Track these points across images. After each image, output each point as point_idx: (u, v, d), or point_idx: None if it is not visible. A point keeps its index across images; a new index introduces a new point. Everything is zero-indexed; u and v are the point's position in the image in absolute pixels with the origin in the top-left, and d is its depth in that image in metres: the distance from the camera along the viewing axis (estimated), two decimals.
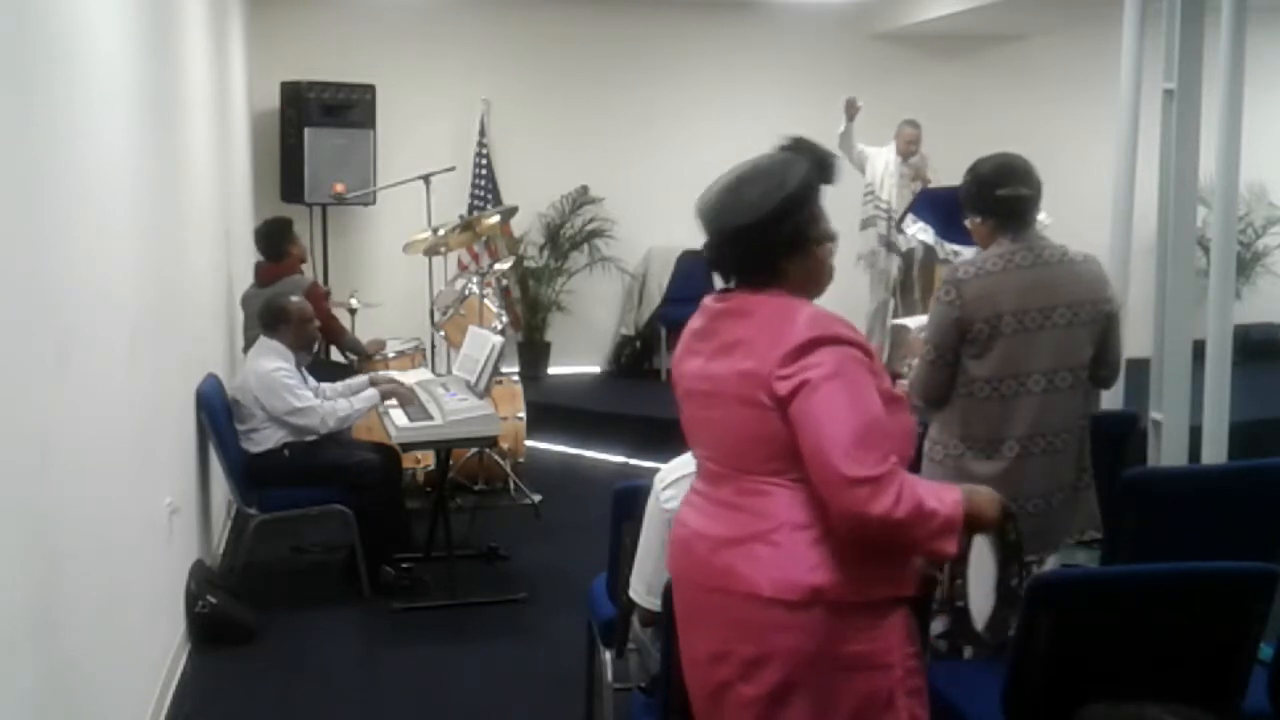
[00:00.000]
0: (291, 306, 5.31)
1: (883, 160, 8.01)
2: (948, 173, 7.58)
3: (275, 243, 6.20)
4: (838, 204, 2.43)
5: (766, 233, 2.25)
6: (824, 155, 2.33)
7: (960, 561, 2.33)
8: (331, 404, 5.17)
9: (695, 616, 2.39)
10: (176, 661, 4.26)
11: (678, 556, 2.43)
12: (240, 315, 6.26)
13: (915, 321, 5.00)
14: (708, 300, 2.40)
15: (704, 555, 2.33)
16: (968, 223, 3.36)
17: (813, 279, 2.33)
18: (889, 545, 2.19)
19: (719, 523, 2.32)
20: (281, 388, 5.07)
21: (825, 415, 2.14)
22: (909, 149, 7.98)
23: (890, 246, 7.98)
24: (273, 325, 5.29)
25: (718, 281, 2.41)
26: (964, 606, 2.45)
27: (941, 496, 2.18)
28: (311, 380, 5.32)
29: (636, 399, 8.37)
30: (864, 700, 2.24)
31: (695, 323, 2.41)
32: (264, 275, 6.14)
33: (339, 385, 5.40)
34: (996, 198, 3.26)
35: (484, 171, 8.87)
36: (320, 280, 7.80)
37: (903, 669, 2.26)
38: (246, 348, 5.67)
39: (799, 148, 2.34)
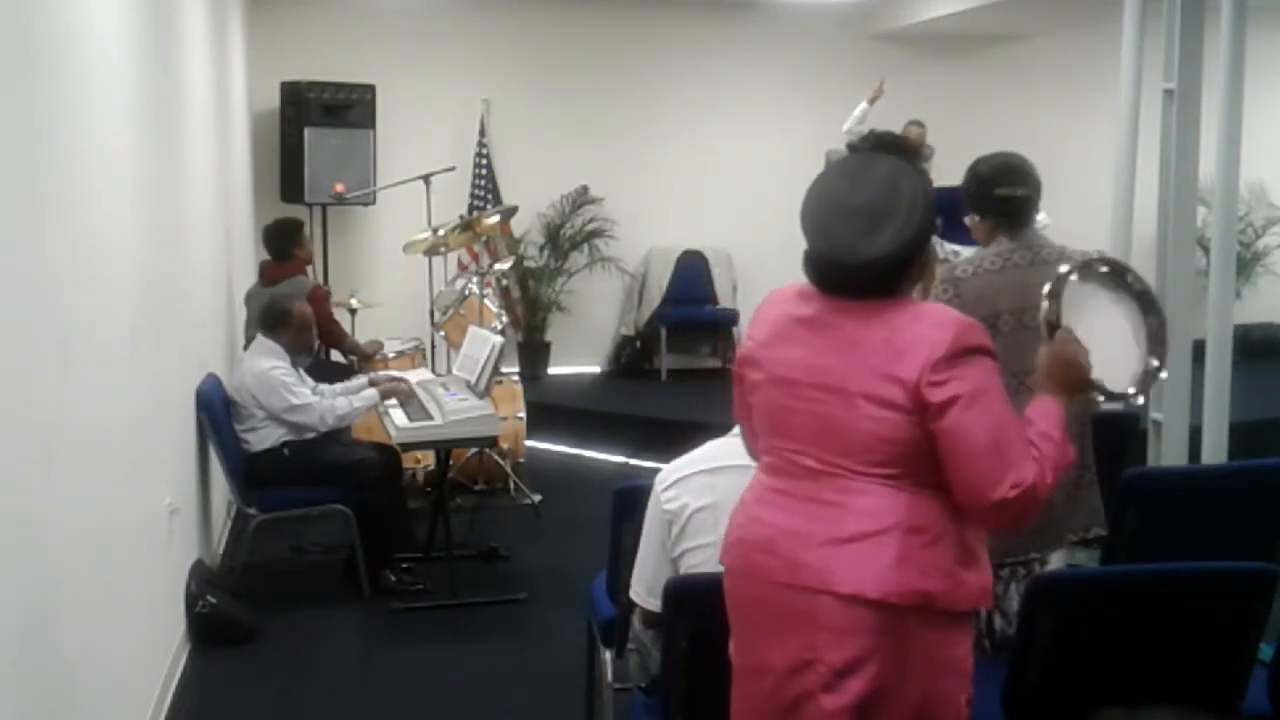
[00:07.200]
0: (295, 310, 5.30)
1: None
2: (947, 173, 7.56)
3: (282, 243, 6.22)
4: None
5: (915, 245, 2.20)
6: (901, 143, 2.35)
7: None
8: (330, 401, 5.15)
9: (773, 622, 2.24)
10: (176, 661, 4.26)
11: (752, 556, 2.28)
12: (242, 314, 6.26)
13: None
14: (808, 289, 2.29)
15: (793, 555, 2.21)
16: (967, 220, 3.37)
17: (929, 267, 2.32)
18: None
19: (815, 521, 2.21)
20: (279, 385, 5.06)
21: (973, 440, 2.11)
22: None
23: None
24: (272, 326, 5.28)
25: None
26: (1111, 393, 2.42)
27: (1050, 426, 2.20)
28: (309, 380, 5.31)
29: (636, 399, 8.37)
30: (942, 708, 2.20)
31: (798, 309, 2.29)
32: (269, 274, 6.14)
33: (338, 386, 5.38)
34: (994, 197, 3.27)
35: (484, 171, 8.86)
36: (320, 280, 7.79)
37: (969, 676, 2.25)
38: (247, 345, 5.67)
39: (880, 145, 2.31)
